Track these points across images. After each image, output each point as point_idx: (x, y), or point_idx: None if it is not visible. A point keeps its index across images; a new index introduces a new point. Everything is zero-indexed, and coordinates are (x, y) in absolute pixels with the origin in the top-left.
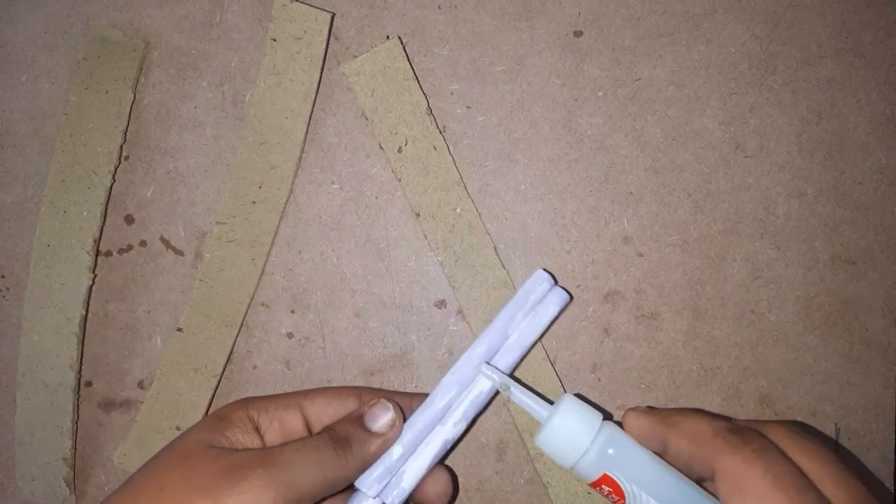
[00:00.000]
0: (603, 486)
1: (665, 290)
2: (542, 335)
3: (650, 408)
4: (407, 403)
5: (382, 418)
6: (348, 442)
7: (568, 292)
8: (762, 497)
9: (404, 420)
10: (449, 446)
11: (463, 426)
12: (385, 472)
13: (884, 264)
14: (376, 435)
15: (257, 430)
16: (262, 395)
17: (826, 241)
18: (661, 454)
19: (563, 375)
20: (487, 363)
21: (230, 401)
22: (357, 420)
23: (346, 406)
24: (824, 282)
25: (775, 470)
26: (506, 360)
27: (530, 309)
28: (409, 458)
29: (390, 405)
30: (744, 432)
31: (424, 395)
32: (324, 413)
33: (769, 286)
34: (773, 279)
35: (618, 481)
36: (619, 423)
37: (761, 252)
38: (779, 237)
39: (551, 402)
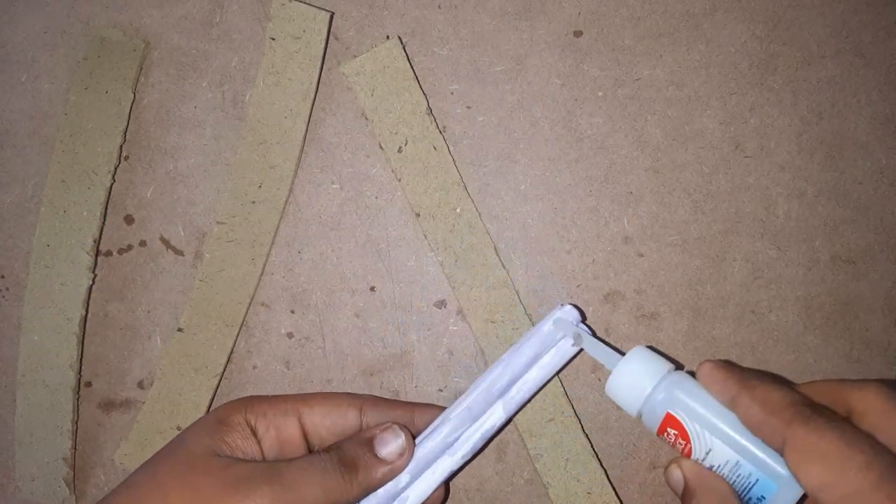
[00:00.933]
0: (668, 430)
1: (665, 290)
2: (558, 373)
3: (727, 362)
4: (409, 416)
5: (392, 445)
6: (356, 466)
7: (591, 329)
8: (835, 460)
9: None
10: (453, 475)
11: (469, 457)
12: (389, 498)
13: (884, 264)
14: (384, 462)
15: (255, 434)
16: (263, 395)
17: (826, 241)
18: None
19: (563, 376)
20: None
21: (230, 400)
22: (366, 443)
23: (346, 418)
24: (824, 282)
25: (848, 437)
26: (521, 395)
27: (553, 345)
28: (413, 483)
29: (402, 432)
30: (818, 406)
31: (427, 406)
32: (321, 423)
33: (769, 286)
34: (773, 279)
35: (681, 421)
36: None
37: (761, 252)
38: (779, 237)
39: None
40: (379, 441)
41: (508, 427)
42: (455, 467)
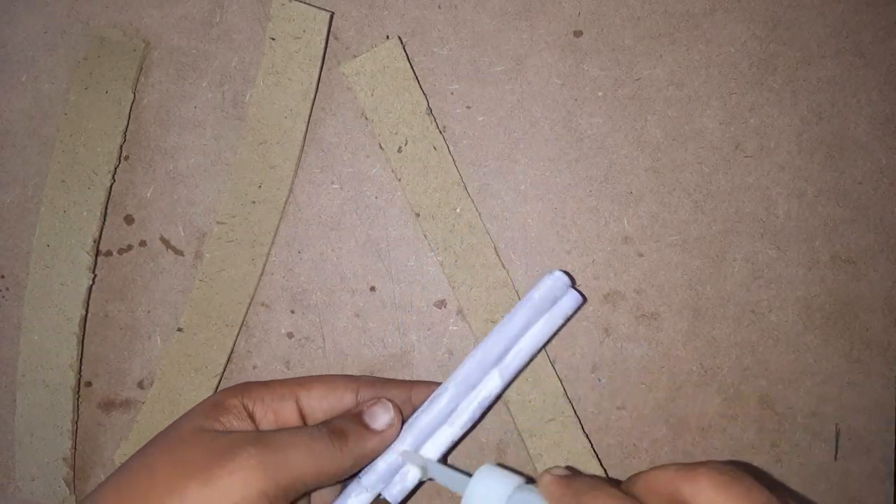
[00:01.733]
0: None
1: (665, 290)
2: (552, 339)
3: (570, 470)
4: (406, 395)
5: (382, 417)
6: (345, 435)
7: (581, 294)
8: None
9: (403, 420)
10: (454, 445)
11: (469, 427)
12: (391, 472)
13: (884, 264)
14: (374, 432)
15: (251, 417)
16: (259, 381)
17: (826, 241)
18: None
19: (563, 375)
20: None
21: (227, 387)
22: (356, 417)
23: (342, 401)
24: (824, 282)
25: None
26: (517, 361)
27: (545, 311)
28: None
29: (390, 405)
30: None
31: (423, 383)
32: (319, 406)
33: (769, 286)
34: (773, 279)
35: None
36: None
37: (761, 252)
38: (779, 237)
39: (471, 475)
40: (368, 414)
41: (508, 427)
42: (455, 437)
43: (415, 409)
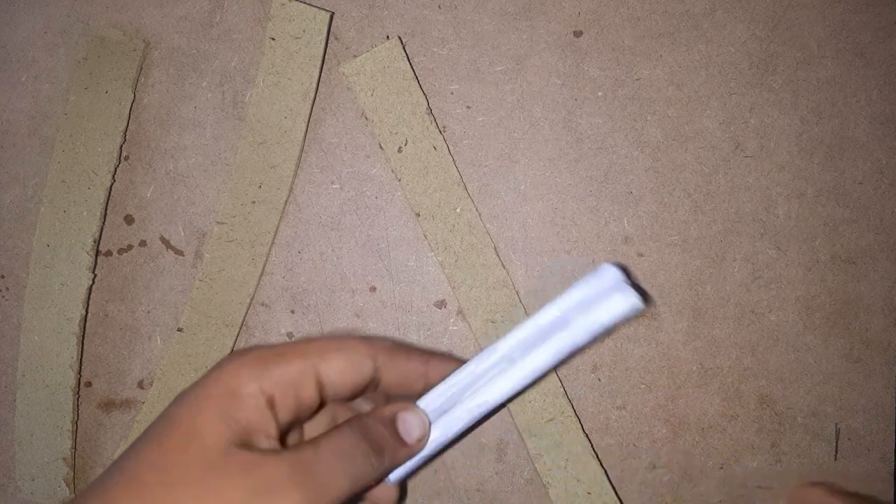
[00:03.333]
0: None
1: (665, 290)
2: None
3: None
4: (423, 368)
5: (416, 430)
6: (382, 452)
7: (641, 295)
8: None
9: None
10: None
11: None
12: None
13: (884, 264)
14: (407, 446)
15: (272, 405)
16: (274, 350)
17: (826, 241)
18: None
19: (563, 375)
20: None
21: (240, 363)
22: (390, 425)
23: (362, 372)
24: (824, 282)
25: None
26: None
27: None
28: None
29: (426, 421)
30: None
31: (440, 357)
32: (340, 381)
33: (769, 286)
34: (773, 279)
35: None
36: None
37: (761, 252)
38: (779, 237)
39: None
40: (402, 424)
41: (508, 427)
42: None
43: (428, 389)
